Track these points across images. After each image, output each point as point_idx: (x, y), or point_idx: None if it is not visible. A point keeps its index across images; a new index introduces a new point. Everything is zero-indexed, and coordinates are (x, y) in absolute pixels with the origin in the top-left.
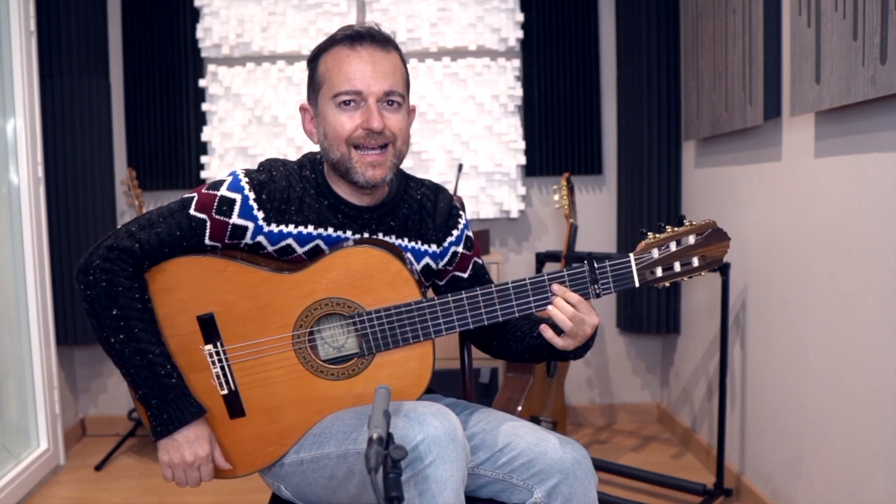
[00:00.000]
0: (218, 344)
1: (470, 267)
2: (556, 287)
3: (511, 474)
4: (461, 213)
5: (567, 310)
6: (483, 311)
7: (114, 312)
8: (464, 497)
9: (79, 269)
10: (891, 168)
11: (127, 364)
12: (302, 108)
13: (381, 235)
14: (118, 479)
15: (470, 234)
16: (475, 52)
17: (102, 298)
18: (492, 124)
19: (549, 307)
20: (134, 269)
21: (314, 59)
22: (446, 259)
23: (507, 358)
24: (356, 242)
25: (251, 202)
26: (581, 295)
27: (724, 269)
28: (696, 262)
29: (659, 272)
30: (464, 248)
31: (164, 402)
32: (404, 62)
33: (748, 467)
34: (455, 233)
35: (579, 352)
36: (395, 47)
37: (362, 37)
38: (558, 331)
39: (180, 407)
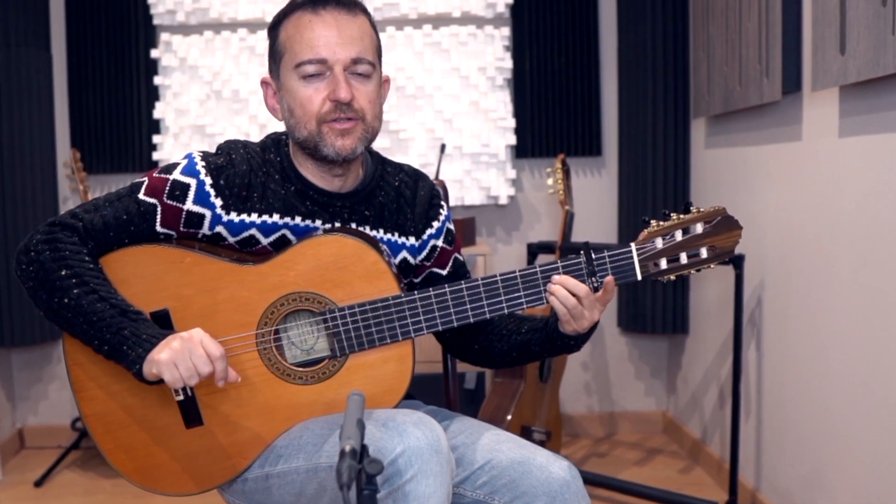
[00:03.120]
0: None
1: (450, 263)
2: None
3: (492, 495)
4: (443, 202)
5: (580, 287)
6: (468, 306)
7: (63, 273)
8: None
9: (18, 251)
10: None
11: (88, 312)
12: (263, 82)
13: (354, 226)
14: (60, 496)
15: (451, 226)
16: (459, 20)
17: (48, 264)
18: (478, 100)
19: (553, 287)
20: (80, 240)
21: (274, 28)
22: (424, 253)
23: (488, 363)
24: (327, 231)
25: (208, 188)
26: None
27: (737, 262)
28: (704, 253)
29: (663, 264)
30: (444, 243)
31: (140, 325)
32: (374, 27)
33: (764, 483)
34: (435, 224)
35: (580, 340)
36: (364, 10)
37: (326, 0)
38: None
39: (156, 327)
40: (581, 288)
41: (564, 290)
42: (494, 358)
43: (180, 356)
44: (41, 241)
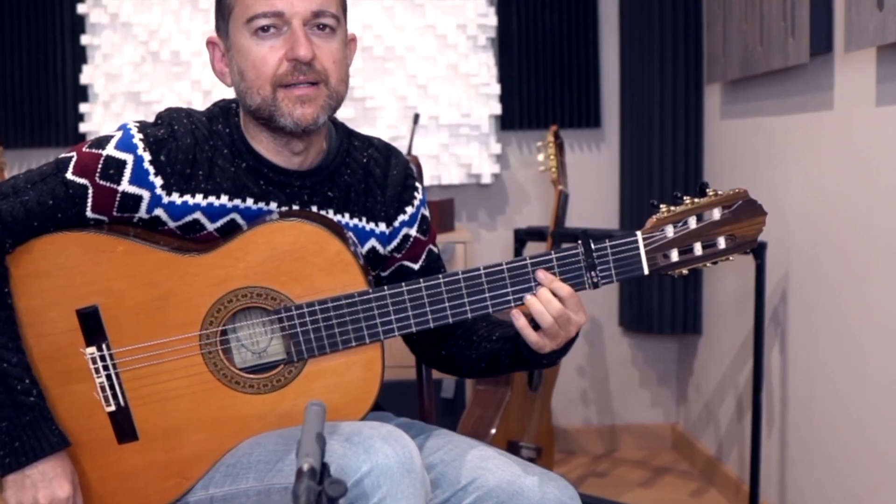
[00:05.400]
0: (103, 346)
1: (423, 256)
2: (541, 275)
3: None
4: (418, 183)
5: (553, 305)
6: (447, 304)
7: None
8: None
9: None
10: None
11: None
12: (210, 42)
13: (314, 209)
14: None
15: (426, 213)
16: None
17: None
18: (457, 63)
19: (528, 297)
20: None
21: None
22: (395, 243)
23: (456, 372)
24: (283, 215)
25: (146, 165)
26: (574, 284)
27: (759, 251)
28: (722, 242)
29: (674, 256)
30: (418, 232)
31: (18, 425)
32: None
33: None
34: (409, 210)
35: (554, 356)
36: None
37: None
38: (534, 325)
39: (38, 434)
40: (564, 289)
41: (549, 294)
42: (462, 367)
43: None
44: None
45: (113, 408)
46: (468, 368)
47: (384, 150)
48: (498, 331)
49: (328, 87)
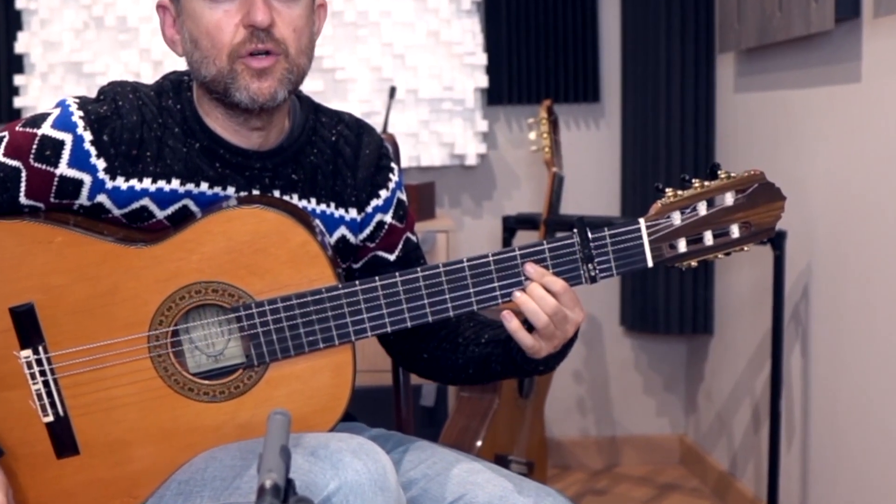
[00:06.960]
0: (40, 349)
1: (400, 245)
2: (530, 268)
3: None
4: (393, 164)
5: (546, 302)
6: (426, 301)
7: None
8: None
9: None
10: None
11: None
12: (160, 6)
13: (277, 194)
14: None
15: (403, 197)
16: None
17: None
18: (439, 29)
19: (518, 294)
20: None
21: None
22: (368, 231)
23: (439, 378)
24: (241, 201)
25: (87, 146)
26: (569, 278)
27: (778, 241)
28: (735, 231)
29: (682, 246)
30: (394, 218)
31: None
32: None
33: None
34: (383, 194)
35: (551, 361)
36: None
37: None
38: (528, 326)
39: None
40: (557, 283)
41: (541, 289)
42: (447, 373)
43: None
44: None
45: (51, 418)
46: (453, 374)
47: (355, 127)
48: (487, 332)
49: (287, 60)
